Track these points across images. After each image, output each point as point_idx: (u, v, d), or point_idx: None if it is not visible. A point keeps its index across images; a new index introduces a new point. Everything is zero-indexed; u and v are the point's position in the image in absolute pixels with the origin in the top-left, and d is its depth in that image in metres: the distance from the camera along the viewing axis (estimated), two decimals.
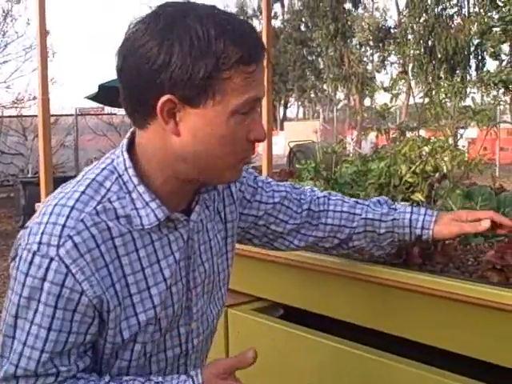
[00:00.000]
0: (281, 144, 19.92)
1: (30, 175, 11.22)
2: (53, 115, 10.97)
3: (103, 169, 1.09)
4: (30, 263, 1.00)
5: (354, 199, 1.49)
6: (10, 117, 13.05)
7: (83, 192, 1.05)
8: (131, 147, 1.11)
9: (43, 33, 2.81)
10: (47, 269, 0.99)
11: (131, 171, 1.07)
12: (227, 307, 1.88)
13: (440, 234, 1.41)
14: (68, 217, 1.02)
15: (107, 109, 14.29)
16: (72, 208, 1.03)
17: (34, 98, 12.29)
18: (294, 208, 1.42)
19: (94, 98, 11.27)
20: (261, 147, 4.36)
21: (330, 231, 1.44)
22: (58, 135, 12.56)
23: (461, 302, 1.36)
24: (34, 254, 1.00)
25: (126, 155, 1.09)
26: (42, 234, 1.01)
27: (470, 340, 1.38)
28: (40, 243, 1.00)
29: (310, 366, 1.67)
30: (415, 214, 1.42)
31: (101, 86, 10.34)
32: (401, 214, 1.42)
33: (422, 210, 1.43)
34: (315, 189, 1.51)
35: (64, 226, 1.01)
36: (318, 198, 1.46)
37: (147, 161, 1.09)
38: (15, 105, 13.44)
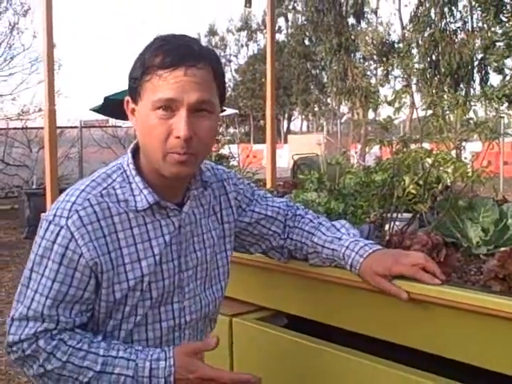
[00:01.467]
0: (285, 157, 19.95)
1: (34, 187, 11.29)
2: (58, 127, 10.99)
3: (113, 166, 1.39)
4: (46, 229, 1.30)
5: (320, 220, 1.64)
6: (15, 129, 13.11)
7: (93, 180, 1.35)
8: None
9: (50, 42, 2.84)
10: (57, 234, 1.28)
11: (131, 166, 1.36)
12: (231, 316, 1.89)
13: (365, 278, 1.49)
14: (78, 196, 1.31)
15: (112, 121, 14.36)
16: (82, 191, 1.33)
17: (40, 110, 12.37)
18: (289, 224, 1.64)
19: (98, 110, 11.31)
20: (265, 160, 4.38)
21: (295, 246, 1.63)
22: (63, 147, 12.62)
23: (463, 311, 1.36)
24: (50, 222, 1.30)
25: (129, 154, 1.38)
26: (58, 208, 1.31)
27: (473, 348, 1.39)
28: (55, 215, 1.30)
29: (313, 374, 1.67)
30: (349, 249, 1.51)
31: (106, 99, 10.37)
32: (340, 247, 1.54)
33: (358, 246, 1.51)
34: (295, 205, 1.70)
35: (74, 203, 1.30)
36: (295, 215, 1.66)
37: (142, 157, 1.37)
38: (20, 117, 13.50)
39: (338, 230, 1.59)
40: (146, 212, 1.34)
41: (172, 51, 1.26)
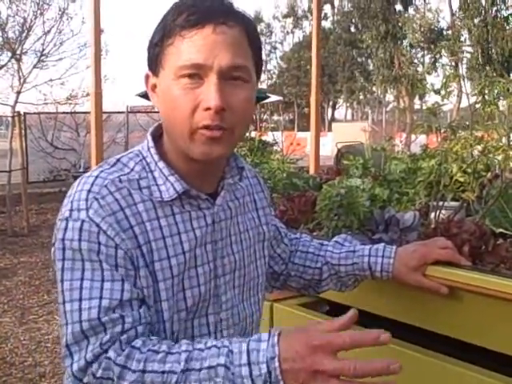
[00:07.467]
0: (328, 145, 19.82)
1: (81, 170, 11.50)
2: (105, 112, 11.18)
3: (130, 152, 1.17)
4: (65, 229, 1.04)
5: (319, 241, 1.53)
6: (64, 113, 13.34)
7: (107, 168, 1.12)
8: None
9: (97, 26, 2.87)
10: (80, 230, 1.03)
11: (153, 150, 1.14)
12: (272, 301, 1.88)
13: (401, 277, 1.42)
14: (92, 184, 1.07)
15: None
16: (96, 177, 1.09)
17: (87, 95, 12.52)
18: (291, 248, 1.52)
19: (144, 95, 11.39)
20: (308, 147, 4.35)
21: (297, 271, 1.49)
22: (110, 132, 12.80)
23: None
24: (67, 220, 1.05)
25: (149, 137, 1.16)
26: (72, 202, 1.06)
27: None
28: (71, 210, 1.05)
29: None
30: (373, 256, 1.43)
31: None
32: (359, 258, 1.44)
33: (380, 251, 1.43)
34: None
35: (89, 191, 1.06)
36: (291, 239, 1.52)
37: (166, 140, 1.16)
38: (69, 101, 13.72)
39: (343, 245, 1.49)
40: (173, 202, 1.12)
41: (197, 7, 1.06)
